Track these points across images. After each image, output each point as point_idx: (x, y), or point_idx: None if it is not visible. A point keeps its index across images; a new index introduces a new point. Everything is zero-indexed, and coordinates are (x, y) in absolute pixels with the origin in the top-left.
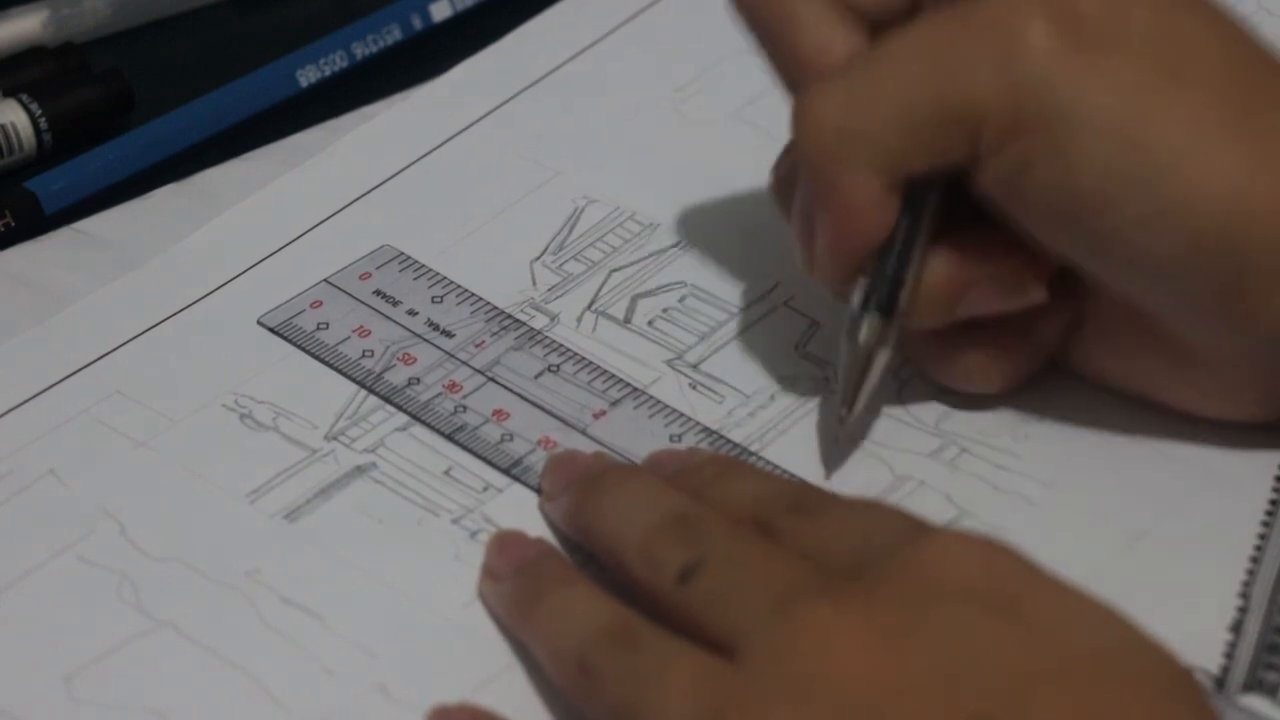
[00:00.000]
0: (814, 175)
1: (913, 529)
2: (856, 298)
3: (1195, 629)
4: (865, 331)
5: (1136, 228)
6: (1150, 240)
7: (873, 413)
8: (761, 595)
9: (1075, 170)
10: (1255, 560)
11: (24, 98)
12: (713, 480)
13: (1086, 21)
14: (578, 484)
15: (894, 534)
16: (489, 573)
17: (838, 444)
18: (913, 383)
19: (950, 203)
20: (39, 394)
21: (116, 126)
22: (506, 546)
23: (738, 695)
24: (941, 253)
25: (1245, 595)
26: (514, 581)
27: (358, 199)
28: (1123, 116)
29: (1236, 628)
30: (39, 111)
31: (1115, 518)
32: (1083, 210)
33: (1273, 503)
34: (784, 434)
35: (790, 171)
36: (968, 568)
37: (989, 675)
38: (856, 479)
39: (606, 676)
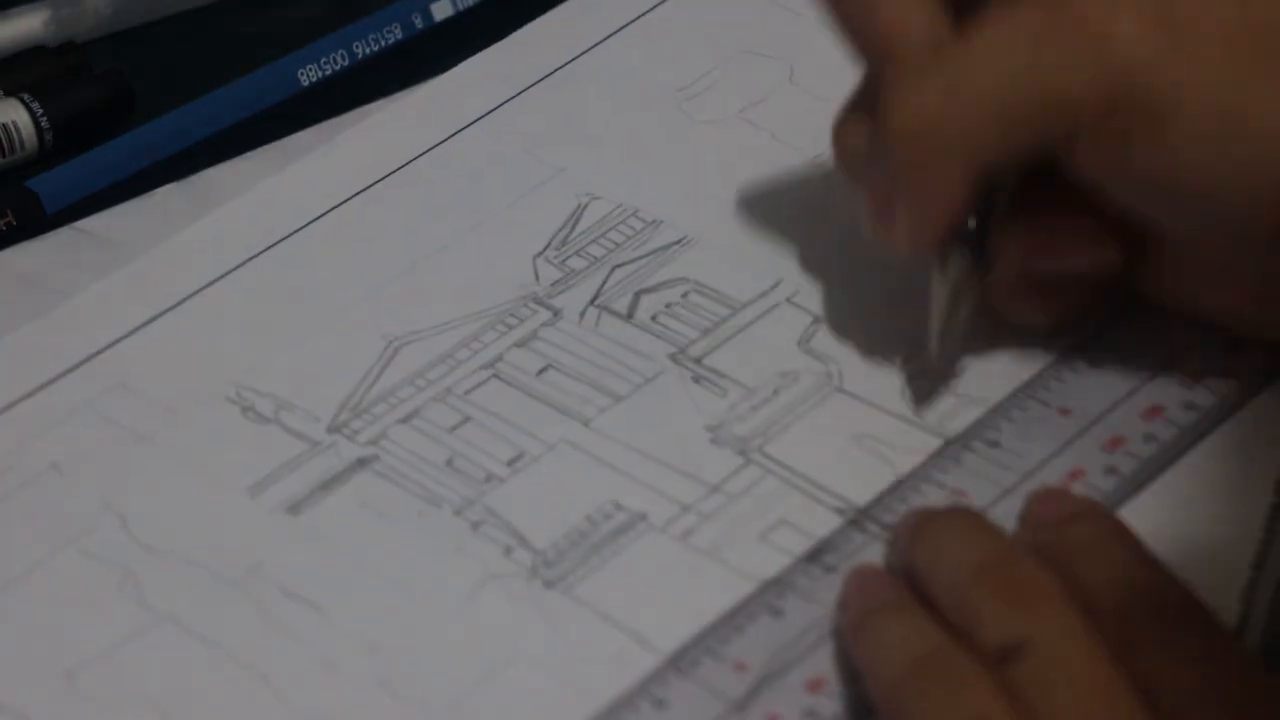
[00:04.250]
0: (902, 164)
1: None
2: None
3: None
4: (953, 269)
5: (1236, 193)
6: (1251, 205)
7: (959, 350)
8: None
9: (1174, 142)
10: (1256, 567)
11: (25, 97)
12: (1080, 547)
13: (1175, 7)
14: (914, 520)
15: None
16: (840, 602)
17: (931, 382)
18: (916, 382)
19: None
20: (41, 388)
21: (117, 126)
22: (866, 585)
23: None
24: (1019, 218)
25: (1246, 600)
26: (854, 604)
27: (360, 192)
28: (1218, 88)
29: (1237, 630)
30: (40, 111)
31: None
32: (1181, 179)
33: (1274, 507)
34: (786, 429)
35: (864, 143)
36: None
37: None
38: (859, 478)
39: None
